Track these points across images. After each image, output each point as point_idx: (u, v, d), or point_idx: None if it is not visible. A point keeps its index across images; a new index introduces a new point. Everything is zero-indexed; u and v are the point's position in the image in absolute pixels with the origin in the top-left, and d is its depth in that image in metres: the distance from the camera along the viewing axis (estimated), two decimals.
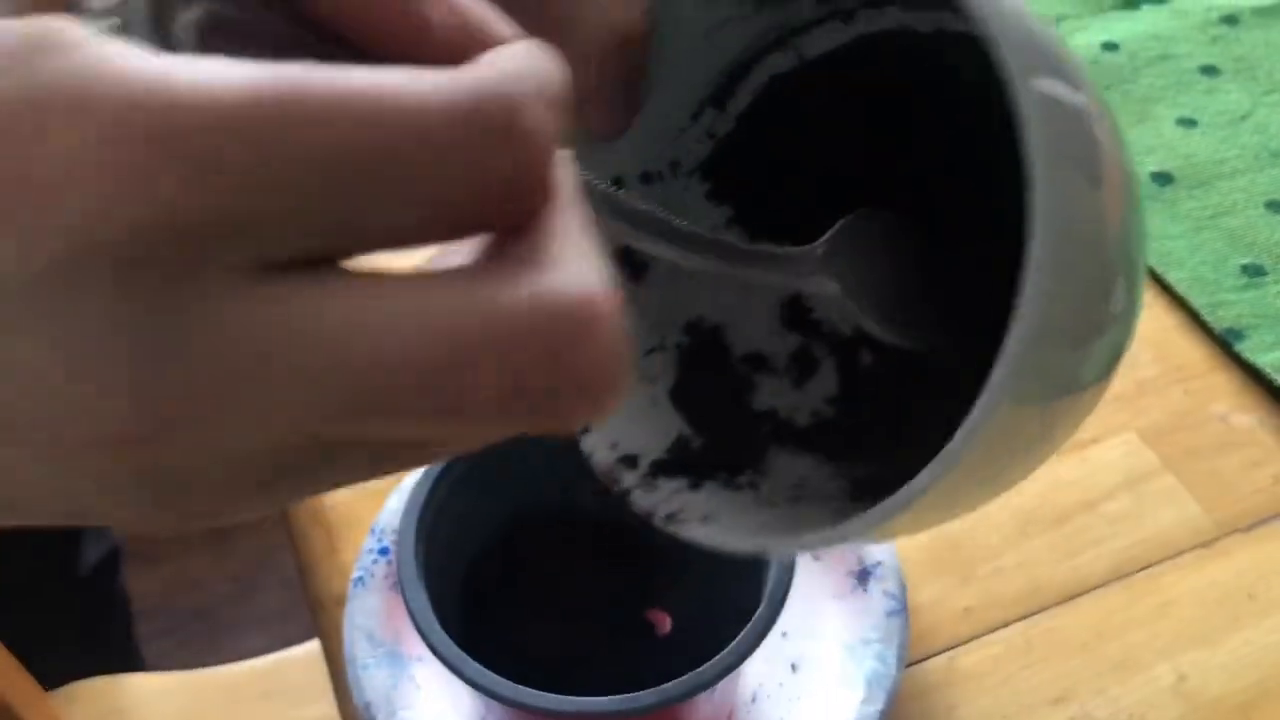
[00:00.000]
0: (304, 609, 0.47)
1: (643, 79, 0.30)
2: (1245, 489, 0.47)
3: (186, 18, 0.16)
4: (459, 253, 0.16)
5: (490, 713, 0.37)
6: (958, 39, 0.31)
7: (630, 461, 0.31)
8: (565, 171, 0.17)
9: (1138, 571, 0.45)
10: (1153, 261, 0.55)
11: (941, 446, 0.22)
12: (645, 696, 0.32)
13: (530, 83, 0.15)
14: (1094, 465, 0.48)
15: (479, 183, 0.15)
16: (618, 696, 0.32)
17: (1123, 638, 0.43)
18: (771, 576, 0.35)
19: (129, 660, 0.99)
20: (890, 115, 0.34)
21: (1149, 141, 0.61)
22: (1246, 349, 0.51)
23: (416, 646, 0.40)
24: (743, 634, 0.33)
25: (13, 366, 0.14)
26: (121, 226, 0.13)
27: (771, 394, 0.34)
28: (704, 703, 0.36)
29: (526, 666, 0.33)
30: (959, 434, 0.22)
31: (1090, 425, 0.49)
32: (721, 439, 0.32)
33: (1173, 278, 0.54)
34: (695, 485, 0.30)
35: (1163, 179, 0.59)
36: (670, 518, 0.29)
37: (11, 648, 0.66)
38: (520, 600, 0.40)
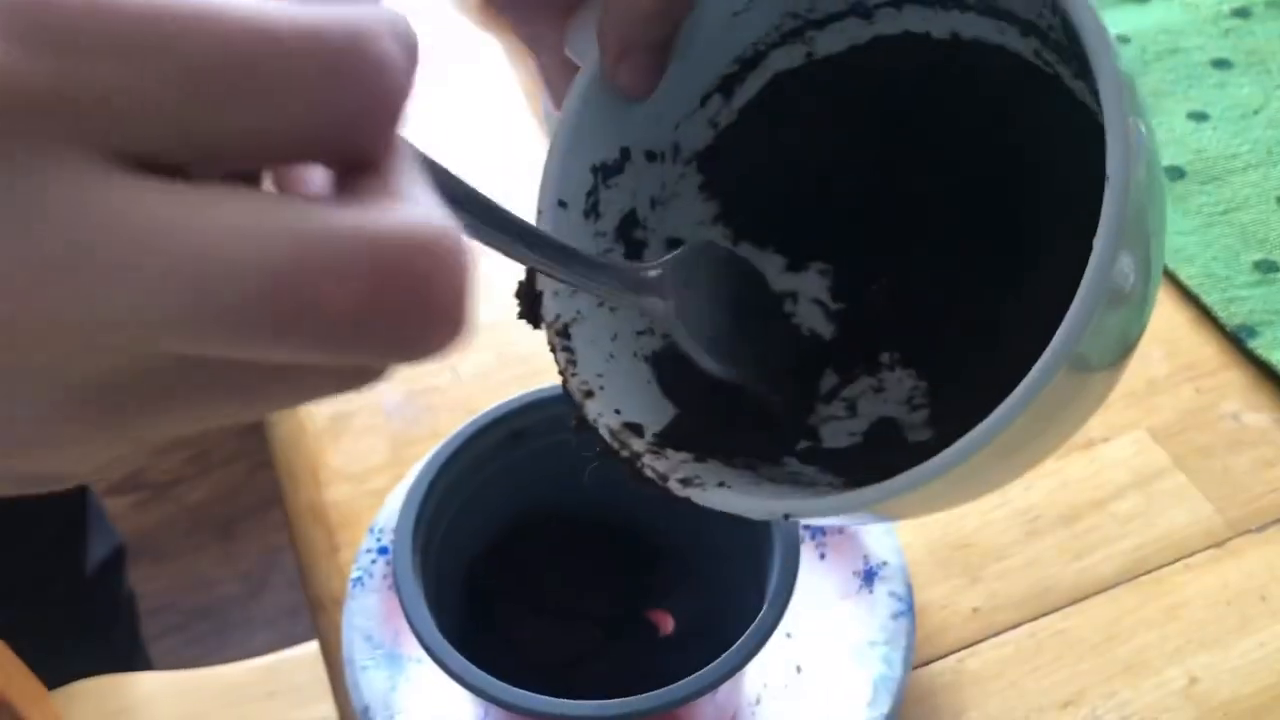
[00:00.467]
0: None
1: (673, 47, 0.30)
2: (1258, 488, 0.47)
3: None
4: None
5: (489, 715, 0.36)
6: (972, 46, 0.30)
7: (636, 429, 0.30)
8: (408, 142, 0.17)
9: (1148, 572, 0.44)
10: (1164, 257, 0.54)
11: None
12: (646, 699, 0.31)
13: (384, 21, 0.15)
14: (1104, 464, 0.47)
15: (329, 103, 0.15)
16: (618, 700, 0.31)
17: (1133, 640, 0.42)
18: (775, 577, 0.34)
19: (134, 659, 0.99)
20: (889, 124, 0.33)
21: (1160, 136, 0.60)
22: (1259, 346, 0.50)
23: (415, 647, 0.40)
24: (746, 635, 0.33)
25: None
26: None
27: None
28: (707, 704, 0.36)
29: (526, 667, 0.33)
30: (1018, 390, 0.23)
31: (1100, 424, 0.49)
32: (710, 430, 0.32)
33: (1184, 274, 0.53)
34: (700, 459, 0.30)
35: (1174, 173, 0.58)
36: (686, 481, 0.28)
37: (16, 646, 0.66)
38: (520, 600, 0.40)
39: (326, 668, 0.43)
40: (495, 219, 0.23)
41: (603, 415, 0.30)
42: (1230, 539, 0.45)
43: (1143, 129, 0.24)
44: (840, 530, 0.43)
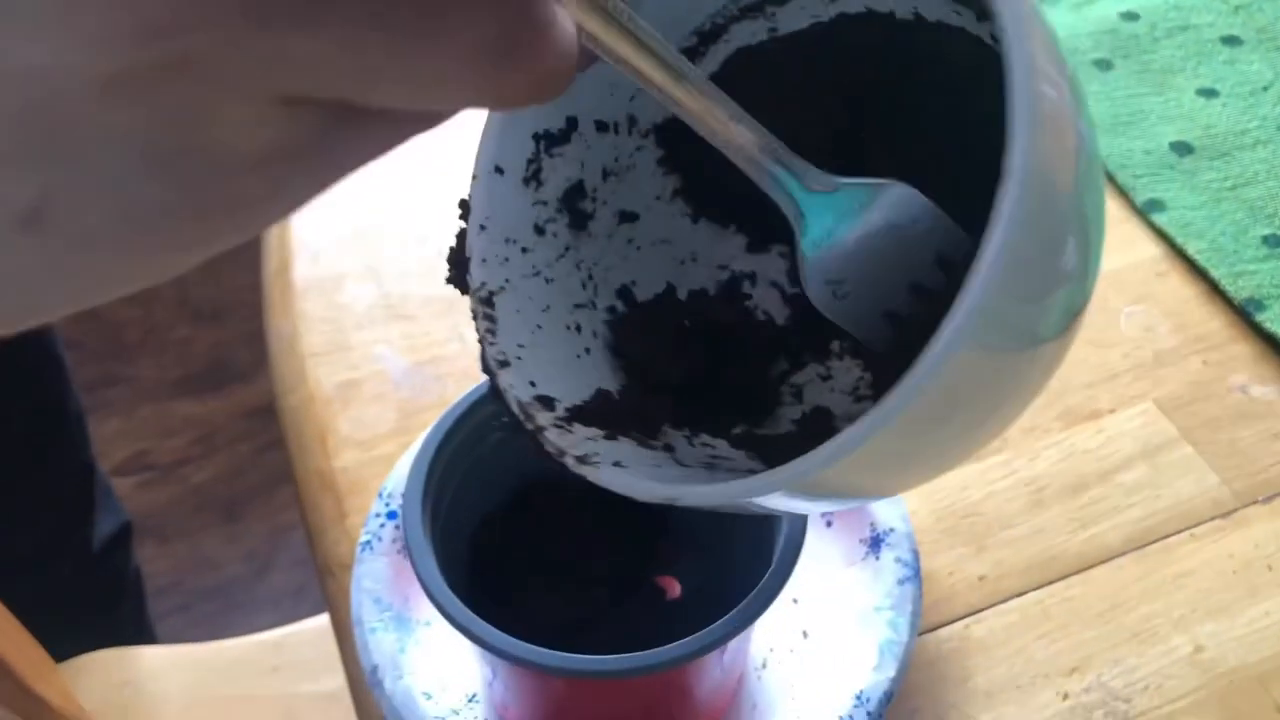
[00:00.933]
0: (316, 588, 0.47)
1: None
2: (1265, 460, 0.47)
3: None
4: None
5: (496, 675, 0.36)
6: (935, 27, 0.30)
7: (547, 402, 0.30)
8: None
9: (1154, 542, 0.44)
10: (1172, 231, 0.54)
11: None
12: (653, 655, 0.31)
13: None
14: (1111, 435, 0.47)
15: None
16: (626, 655, 0.31)
17: (1139, 608, 0.42)
18: (781, 542, 0.34)
19: (141, 635, 0.99)
20: (851, 103, 0.33)
21: (1169, 111, 0.60)
22: (1267, 319, 0.50)
23: (423, 610, 0.40)
24: (751, 596, 0.33)
25: None
26: None
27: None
28: (714, 667, 0.36)
29: (533, 630, 0.33)
30: (916, 368, 0.21)
31: (1107, 395, 0.49)
32: (644, 403, 0.32)
33: (1192, 248, 0.53)
34: (610, 437, 0.30)
35: (1182, 149, 0.58)
36: (582, 460, 0.28)
37: (25, 620, 0.66)
38: (527, 564, 0.40)
39: (335, 632, 0.44)
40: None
41: (514, 387, 0.29)
42: (1237, 510, 0.45)
43: (1054, 94, 0.22)
44: None
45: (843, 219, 0.28)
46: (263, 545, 1.34)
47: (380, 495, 0.42)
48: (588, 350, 0.33)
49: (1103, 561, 0.44)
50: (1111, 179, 0.57)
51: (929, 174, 0.32)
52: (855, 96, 0.33)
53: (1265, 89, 0.61)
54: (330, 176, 0.18)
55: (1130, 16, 0.65)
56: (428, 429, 0.37)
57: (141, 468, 1.41)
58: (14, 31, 0.15)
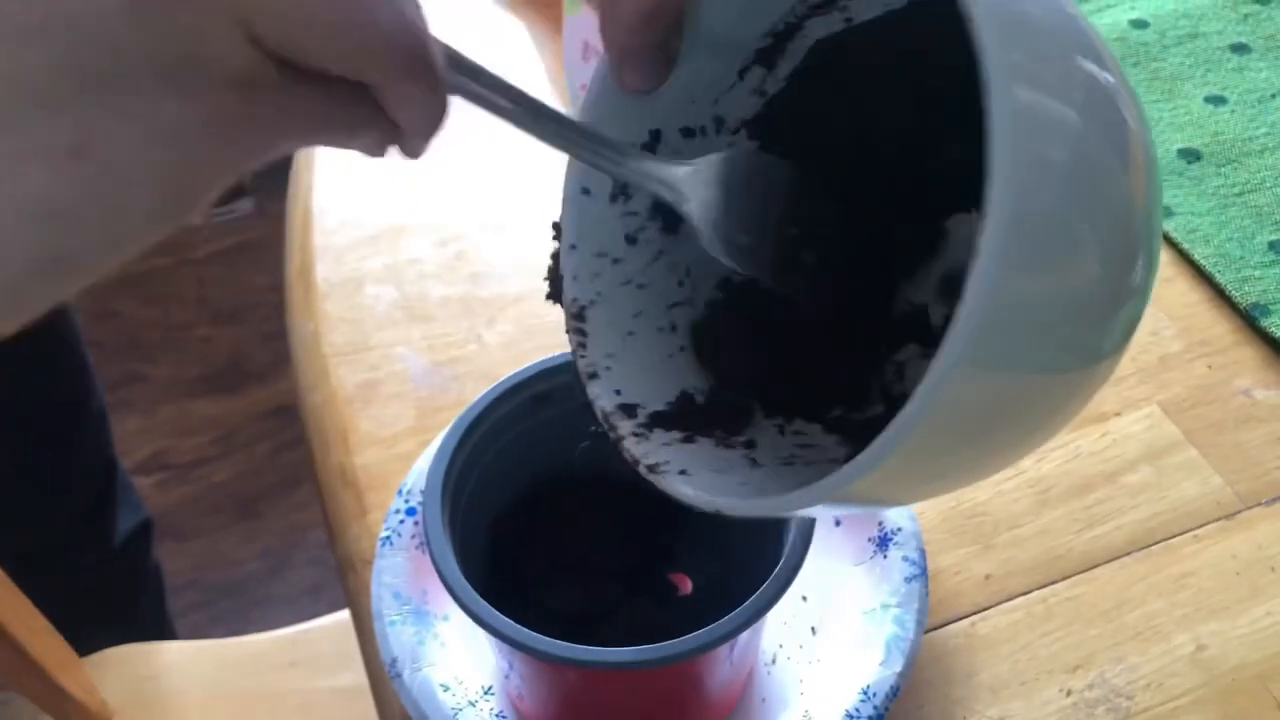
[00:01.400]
0: (332, 586, 0.48)
1: (674, 43, 0.31)
2: (1269, 463, 0.47)
3: None
4: None
5: (512, 668, 0.37)
6: None
7: (629, 410, 0.32)
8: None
9: (1158, 542, 0.45)
10: (1179, 237, 0.55)
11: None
12: (664, 648, 0.32)
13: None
14: (1115, 437, 0.48)
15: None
16: (638, 647, 0.32)
17: (1142, 607, 0.43)
18: (789, 540, 0.35)
19: (161, 632, 1.00)
20: (928, 90, 0.33)
21: (1177, 119, 0.61)
22: (1272, 324, 0.51)
23: (441, 604, 0.41)
24: (759, 592, 0.34)
25: None
26: None
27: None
28: (724, 661, 0.37)
29: (547, 624, 0.34)
30: (912, 399, 0.22)
31: (1113, 398, 0.49)
32: (731, 398, 0.33)
33: (1199, 254, 0.54)
34: (689, 439, 0.31)
35: (1190, 155, 0.59)
36: (653, 468, 0.30)
37: (46, 617, 0.67)
38: (542, 560, 0.41)
39: (355, 625, 0.45)
40: (513, 95, 0.27)
41: (600, 397, 0.32)
42: (1240, 511, 0.46)
43: (1042, 104, 0.22)
44: None
45: (712, 188, 0.30)
46: (280, 544, 1.35)
47: (400, 492, 0.43)
48: (681, 349, 0.34)
49: (1107, 561, 0.44)
50: None
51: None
52: (931, 83, 0.33)
53: (1273, 96, 0.62)
54: (288, 127, 0.24)
55: (1139, 24, 0.66)
56: (446, 428, 0.38)
57: (160, 466, 1.42)
58: None
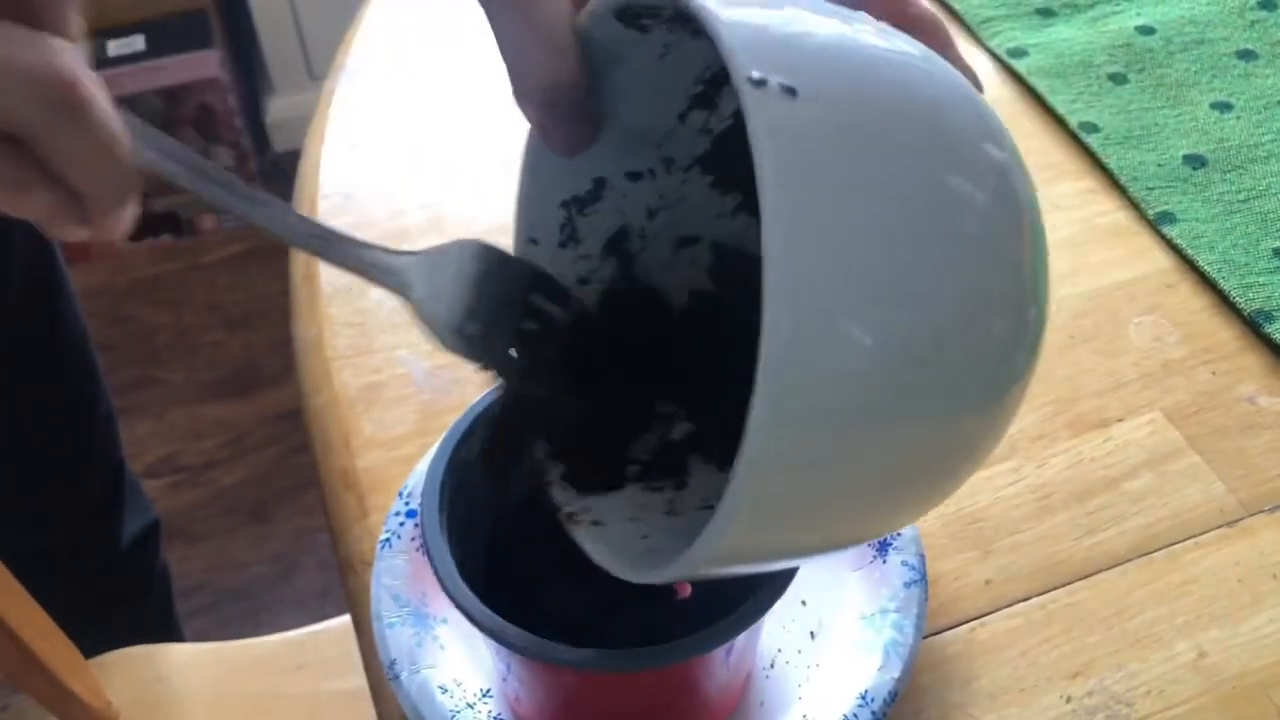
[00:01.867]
0: (340, 590, 0.48)
1: (587, 110, 0.31)
2: (1272, 470, 0.47)
3: None
4: None
5: (510, 670, 0.37)
6: None
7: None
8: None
9: (1160, 549, 0.45)
10: (1183, 243, 0.55)
11: None
12: (663, 650, 0.32)
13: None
14: (1118, 443, 0.48)
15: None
16: (635, 650, 0.33)
17: (1143, 614, 0.43)
18: None
19: (168, 634, 1.01)
20: None
21: (1183, 125, 0.61)
22: (1276, 331, 0.51)
23: (440, 607, 0.41)
24: (756, 596, 0.34)
25: None
26: None
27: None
28: (721, 665, 0.37)
29: (545, 627, 0.34)
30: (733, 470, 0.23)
31: (1114, 404, 0.49)
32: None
33: (1203, 260, 0.54)
34: (616, 486, 0.32)
35: (1196, 162, 0.59)
36: (570, 516, 0.31)
37: (55, 617, 0.67)
38: (541, 564, 0.41)
39: (355, 626, 0.45)
40: (208, 175, 0.27)
41: (539, 448, 0.33)
42: (1243, 518, 0.46)
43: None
44: None
45: (438, 274, 0.31)
46: (289, 547, 1.36)
47: (400, 495, 0.43)
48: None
49: (1107, 568, 0.44)
50: (1124, 191, 0.58)
51: None
52: None
53: (1279, 103, 0.62)
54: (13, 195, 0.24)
55: (1146, 30, 0.66)
56: (446, 431, 0.38)
57: (172, 470, 1.43)
58: None
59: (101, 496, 0.91)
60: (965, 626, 0.43)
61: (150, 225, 1.67)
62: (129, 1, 1.58)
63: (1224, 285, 0.53)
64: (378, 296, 0.55)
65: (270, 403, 1.49)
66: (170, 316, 1.59)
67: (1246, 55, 0.64)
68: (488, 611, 0.33)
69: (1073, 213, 0.58)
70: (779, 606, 0.34)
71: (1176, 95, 0.62)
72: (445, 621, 0.41)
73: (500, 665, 0.38)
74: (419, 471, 0.44)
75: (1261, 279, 0.53)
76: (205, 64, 1.59)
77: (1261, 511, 0.46)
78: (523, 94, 0.29)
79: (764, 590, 0.34)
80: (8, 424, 0.82)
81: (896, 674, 0.39)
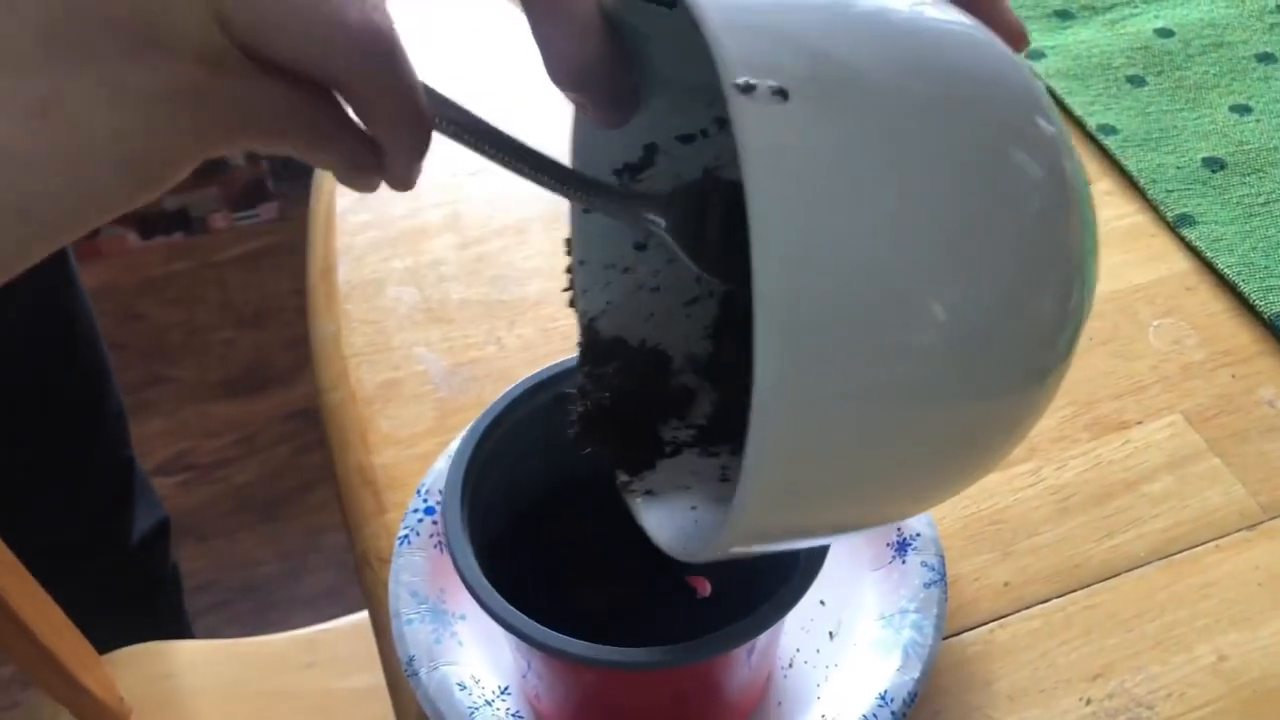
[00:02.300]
0: (351, 588, 0.48)
1: (622, 84, 0.31)
2: None
3: None
4: None
5: (530, 667, 0.37)
6: None
7: None
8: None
9: (1180, 552, 0.45)
10: (1203, 246, 0.55)
11: None
12: (682, 649, 0.32)
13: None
14: (1137, 446, 0.48)
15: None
16: (656, 648, 0.32)
17: (1163, 617, 0.43)
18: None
19: (178, 631, 1.01)
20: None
21: (1202, 127, 0.60)
22: None
23: (459, 603, 0.41)
24: (777, 595, 0.34)
25: None
26: None
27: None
28: (741, 664, 0.37)
29: (566, 625, 0.34)
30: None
31: (1133, 407, 0.49)
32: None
33: (1222, 263, 0.54)
34: (674, 453, 0.32)
35: (1215, 164, 0.59)
36: (624, 485, 0.32)
37: (66, 613, 0.68)
38: (559, 561, 0.41)
39: (373, 623, 0.45)
40: (495, 140, 0.28)
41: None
42: (1263, 522, 0.45)
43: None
44: None
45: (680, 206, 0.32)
46: (299, 546, 1.36)
47: (419, 492, 0.43)
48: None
49: (1127, 570, 0.44)
50: (1143, 194, 0.58)
51: None
52: None
53: None
54: (251, 116, 0.24)
55: (1165, 33, 0.66)
56: (466, 428, 0.38)
57: (182, 468, 1.43)
58: None
59: (112, 494, 0.91)
60: (984, 628, 0.43)
61: (162, 223, 1.67)
62: None
63: (1244, 288, 0.53)
64: (394, 294, 0.55)
65: (281, 401, 1.49)
66: (181, 315, 1.59)
67: (1266, 58, 0.64)
68: (510, 608, 0.33)
69: None
70: (799, 606, 0.34)
71: (1195, 98, 0.62)
72: (464, 618, 0.41)
73: (520, 662, 0.38)
74: (437, 469, 0.44)
75: None
76: None
77: None
78: (555, 77, 0.29)
79: (785, 589, 0.34)
80: (20, 422, 0.82)
81: (916, 675, 0.39)
